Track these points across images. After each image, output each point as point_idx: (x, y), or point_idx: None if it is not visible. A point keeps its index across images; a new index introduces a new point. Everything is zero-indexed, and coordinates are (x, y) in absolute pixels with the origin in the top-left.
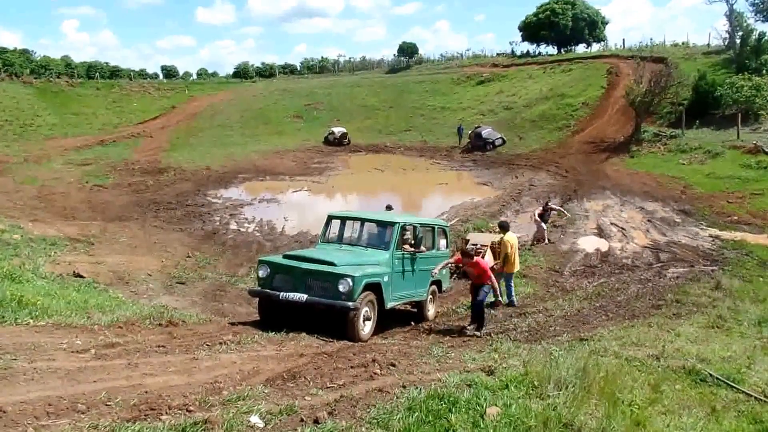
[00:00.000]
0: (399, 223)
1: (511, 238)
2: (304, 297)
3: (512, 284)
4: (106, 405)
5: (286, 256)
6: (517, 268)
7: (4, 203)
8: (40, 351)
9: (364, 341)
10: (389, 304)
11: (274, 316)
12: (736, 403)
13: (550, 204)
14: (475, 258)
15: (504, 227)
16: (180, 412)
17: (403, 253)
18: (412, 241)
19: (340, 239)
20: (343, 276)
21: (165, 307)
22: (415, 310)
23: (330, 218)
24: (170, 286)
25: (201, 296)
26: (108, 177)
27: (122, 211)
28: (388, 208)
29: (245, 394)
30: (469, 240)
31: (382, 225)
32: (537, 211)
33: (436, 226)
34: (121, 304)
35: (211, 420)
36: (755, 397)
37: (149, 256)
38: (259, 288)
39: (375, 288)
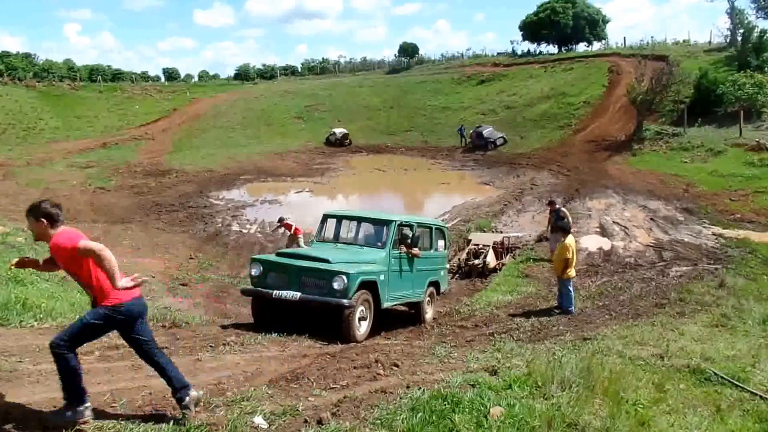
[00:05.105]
0: (395, 221)
1: (572, 241)
2: (297, 295)
3: (572, 290)
4: (111, 406)
5: (279, 254)
6: (573, 273)
7: (8, 206)
8: (45, 353)
9: (358, 342)
10: (385, 304)
11: (268, 317)
12: (741, 402)
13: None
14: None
15: (565, 230)
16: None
17: (399, 253)
18: (410, 240)
19: (336, 238)
20: (338, 273)
21: (168, 308)
22: (412, 311)
23: (325, 217)
24: (173, 288)
25: (204, 298)
26: (111, 179)
27: (125, 213)
28: (280, 221)
29: (249, 395)
30: (471, 240)
31: (379, 223)
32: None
33: (434, 226)
34: None
35: (215, 421)
36: (760, 396)
37: (152, 258)
38: (252, 287)
39: (371, 287)
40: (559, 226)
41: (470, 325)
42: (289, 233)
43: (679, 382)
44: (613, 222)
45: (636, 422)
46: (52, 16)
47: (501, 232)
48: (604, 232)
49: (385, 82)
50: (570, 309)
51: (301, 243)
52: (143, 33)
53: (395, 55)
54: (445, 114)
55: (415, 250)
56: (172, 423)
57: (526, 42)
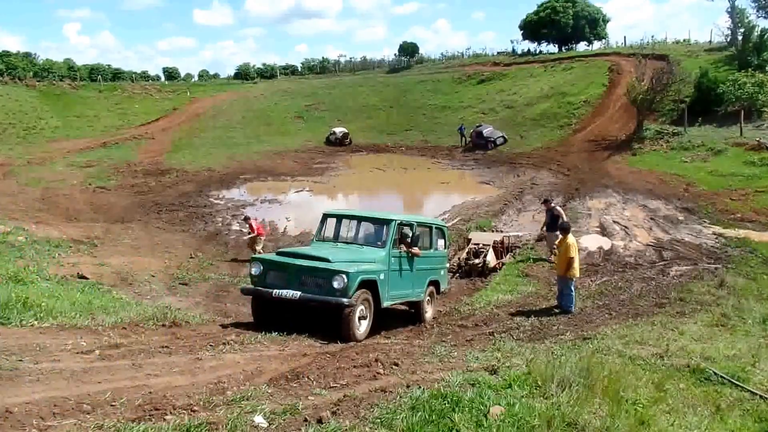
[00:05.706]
0: (395, 220)
1: (573, 240)
2: (297, 294)
3: (573, 290)
4: (111, 405)
5: (279, 253)
6: (577, 273)
7: (9, 205)
8: (45, 352)
9: (358, 341)
10: (385, 303)
11: (268, 316)
12: (740, 401)
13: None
14: None
15: (565, 229)
16: (184, 412)
17: (399, 252)
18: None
19: (335, 237)
20: (337, 272)
21: (168, 307)
22: (412, 310)
23: (325, 216)
24: (173, 287)
25: (204, 297)
26: (111, 179)
27: (125, 212)
28: (246, 219)
29: (249, 394)
30: (471, 239)
31: (379, 223)
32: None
33: (434, 226)
34: (124, 305)
35: (215, 420)
36: (760, 396)
37: (152, 257)
38: (252, 286)
39: (371, 286)
40: (559, 226)
41: (470, 325)
42: (252, 233)
43: (679, 381)
44: (613, 221)
45: (636, 422)
46: (52, 16)
47: (501, 231)
48: (604, 231)
49: (384, 82)
50: (570, 308)
51: (258, 247)
52: (143, 33)
53: (395, 54)
54: (445, 113)
55: (415, 250)
56: (172, 422)
57: (527, 41)
